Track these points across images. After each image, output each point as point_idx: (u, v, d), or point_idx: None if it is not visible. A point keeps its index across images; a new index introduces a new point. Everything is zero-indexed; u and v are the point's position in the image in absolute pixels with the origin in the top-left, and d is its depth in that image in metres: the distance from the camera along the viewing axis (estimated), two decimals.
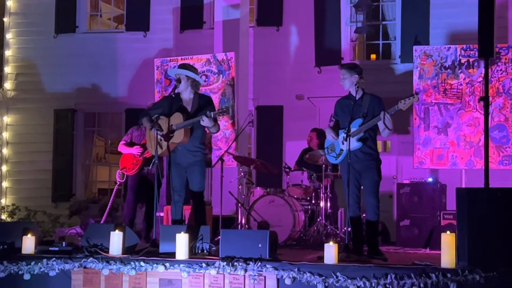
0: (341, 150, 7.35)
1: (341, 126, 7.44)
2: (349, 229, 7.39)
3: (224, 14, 12.03)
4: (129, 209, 9.28)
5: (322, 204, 9.40)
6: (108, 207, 9.82)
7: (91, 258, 6.58)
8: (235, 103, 10.93)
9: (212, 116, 7.37)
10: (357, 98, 7.36)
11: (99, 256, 6.63)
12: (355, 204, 7.29)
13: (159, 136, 7.47)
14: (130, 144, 9.32)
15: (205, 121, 7.38)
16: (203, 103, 7.66)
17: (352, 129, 7.20)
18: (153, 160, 7.51)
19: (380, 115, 7.13)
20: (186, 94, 7.73)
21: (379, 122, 7.18)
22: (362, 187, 7.42)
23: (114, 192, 9.78)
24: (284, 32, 13.25)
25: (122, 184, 10.21)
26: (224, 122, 10.87)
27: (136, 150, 9.18)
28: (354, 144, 7.20)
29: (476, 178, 9.45)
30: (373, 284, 5.91)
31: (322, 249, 6.35)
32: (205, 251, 6.82)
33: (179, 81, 7.65)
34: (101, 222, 9.81)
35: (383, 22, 13.16)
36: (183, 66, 7.89)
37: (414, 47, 10.52)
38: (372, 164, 7.34)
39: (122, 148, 9.37)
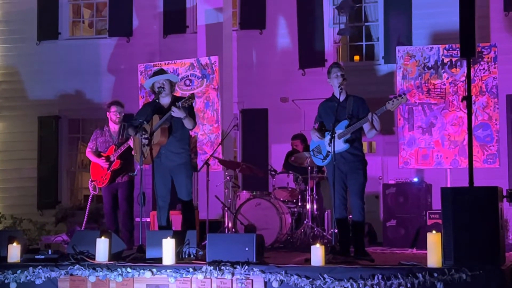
0: (328, 152, 7.31)
1: (326, 128, 7.43)
2: (336, 230, 7.40)
3: (207, 18, 12.03)
4: (110, 221, 9.26)
5: (308, 206, 9.41)
6: (85, 216, 9.78)
7: (77, 265, 6.54)
8: (219, 107, 10.92)
9: (180, 105, 7.37)
10: (341, 100, 7.34)
11: (85, 263, 6.59)
12: (341, 206, 7.29)
13: (144, 140, 7.44)
14: (97, 152, 9.28)
15: (175, 112, 7.39)
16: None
17: (338, 131, 7.21)
18: (138, 167, 7.48)
19: (368, 116, 7.13)
20: (167, 99, 7.73)
21: (365, 123, 7.19)
22: (348, 189, 7.42)
23: (89, 202, 9.75)
24: (268, 35, 13.25)
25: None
26: (209, 126, 10.87)
27: (102, 162, 9.14)
28: (341, 146, 7.21)
29: (461, 177, 9.49)
30: (360, 285, 5.91)
31: (309, 251, 6.35)
32: (192, 256, 6.80)
33: (161, 87, 7.62)
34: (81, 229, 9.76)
35: (366, 24, 13.20)
36: (162, 72, 7.86)
37: (397, 48, 10.56)
38: (359, 165, 7.33)
39: (89, 155, 9.35)
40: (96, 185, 9.24)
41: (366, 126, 7.23)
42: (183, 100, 7.45)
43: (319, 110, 7.58)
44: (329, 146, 7.19)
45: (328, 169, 7.47)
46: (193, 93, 7.93)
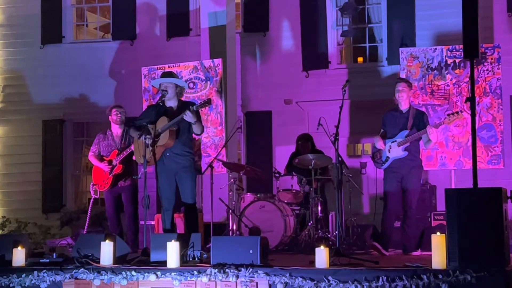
0: (387, 157, 8.32)
1: (387, 136, 8.40)
2: (336, 232, 7.47)
3: (211, 21, 12.04)
4: (113, 225, 9.28)
5: (312, 208, 9.40)
6: (87, 220, 9.79)
7: (82, 269, 6.55)
8: (223, 109, 10.92)
9: (195, 109, 7.39)
10: (403, 111, 8.33)
11: (90, 266, 6.60)
12: (397, 206, 8.32)
13: (147, 141, 7.43)
14: (99, 156, 9.30)
15: (188, 116, 7.40)
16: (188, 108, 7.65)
17: (399, 139, 8.24)
18: (142, 171, 7.49)
19: (426, 129, 8.06)
20: (172, 102, 7.73)
21: (423, 134, 8.12)
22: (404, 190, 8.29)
23: (90, 206, 9.76)
24: (271, 37, 13.26)
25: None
26: (213, 128, 10.87)
27: (105, 167, 9.16)
28: (400, 153, 8.22)
29: (465, 178, 9.46)
30: (365, 287, 5.91)
31: (314, 253, 6.35)
32: (196, 259, 6.81)
33: (165, 91, 7.63)
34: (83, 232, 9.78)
35: (369, 25, 13.19)
36: (169, 75, 7.87)
37: (401, 49, 10.54)
38: (415, 171, 8.28)
39: (91, 159, 9.38)
40: (98, 189, 9.26)
41: (424, 138, 8.19)
42: (199, 104, 7.45)
43: (383, 119, 8.54)
44: (389, 152, 8.29)
45: (386, 174, 8.40)
46: (210, 98, 7.92)
